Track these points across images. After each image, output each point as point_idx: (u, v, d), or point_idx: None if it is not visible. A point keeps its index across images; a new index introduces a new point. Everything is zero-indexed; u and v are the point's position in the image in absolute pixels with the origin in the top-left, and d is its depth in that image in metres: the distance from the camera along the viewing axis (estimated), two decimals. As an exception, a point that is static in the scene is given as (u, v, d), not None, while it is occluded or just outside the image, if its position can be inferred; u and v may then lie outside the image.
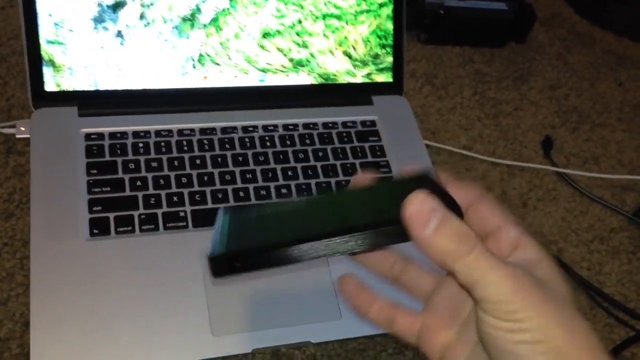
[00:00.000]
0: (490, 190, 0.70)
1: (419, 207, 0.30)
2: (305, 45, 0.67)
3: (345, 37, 0.68)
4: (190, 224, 0.56)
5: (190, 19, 0.63)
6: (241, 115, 0.65)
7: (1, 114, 0.64)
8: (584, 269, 0.64)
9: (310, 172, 0.62)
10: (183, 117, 0.62)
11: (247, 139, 0.63)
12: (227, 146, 0.62)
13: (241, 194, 0.59)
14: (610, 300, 0.61)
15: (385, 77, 0.70)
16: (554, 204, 0.70)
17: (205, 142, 0.61)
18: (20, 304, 0.51)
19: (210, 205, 0.57)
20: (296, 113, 0.67)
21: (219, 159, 0.61)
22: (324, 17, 0.67)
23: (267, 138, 0.64)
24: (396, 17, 0.69)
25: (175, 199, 0.57)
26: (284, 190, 0.60)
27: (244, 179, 0.60)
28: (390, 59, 0.70)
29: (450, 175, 0.34)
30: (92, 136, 0.59)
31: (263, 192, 0.59)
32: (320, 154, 0.64)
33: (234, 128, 0.63)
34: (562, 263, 0.63)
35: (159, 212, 0.55)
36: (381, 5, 0.69)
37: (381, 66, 0.70)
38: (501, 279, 0.29)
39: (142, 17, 0.61)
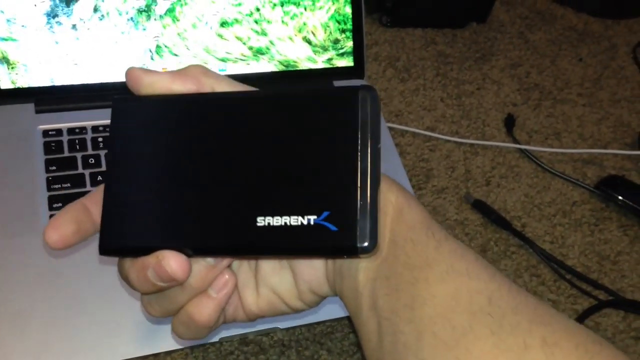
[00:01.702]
0: (454, 170, 0.71)
1: None
2: (264, 33, 0.67)
3: (304, 23, 0.68)
4: (153, 216, 0.55)
5: (146, 10, 0.62)
6: (202, 105, 0.64)
7: (-43, 114, 0.63)
8: (547, 243, 0.65)
9: (273, 160, 0.62)
10: (143, 110, 0.62)
11: (208, 129, 0.63)
12: (189, 137, 0.62)
13: (204, 184, 0.59)
14: (573, 272, 0.63)
15: (346, 62, 0.70)
16: (516, 180, 0.71)
17: (166, 133, 0.61)
18: (-17, 304, 0.51)
19: (173, 196, 0.57)
20: (258, 101, 0.66)
21: (181, 150, 0.60)
22: (282, 3, 0.67)
23: (228, 127, 0.64)
24: (354, 1, 0.69)
25: (137, 192, 0.56)
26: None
27: (206, 169, 0.60)
28: (350, 43, 0.70)
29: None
30: (50, 132, 0.59)
31: (226, 181, 0.59)
32: (283, 140, 0.64)
33: (195, 118, 0.63)
34: (525, 238, 0.64)
35: (121, 205, 0.55)
36: (339, -10, 0.69)
37: (341, 51, 0.70)
38: None
39: (96, 9, 0.61)
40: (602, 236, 0.67)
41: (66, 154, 0.58)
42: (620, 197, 0.69)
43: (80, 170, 0.57)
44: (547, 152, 0.74)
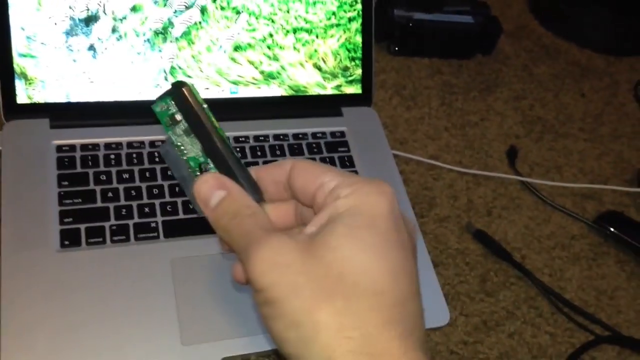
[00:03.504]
0: (456, 199, 0.72)
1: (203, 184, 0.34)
2: (276, 58, 0.68)
3: (315, 50, 0.70)
4: (161, 235, 0.57)
5: (163, 33, 0.64)
6: (213, 126, 0.66)
7: (-28, 126, 0.64)
8: (546, 275, 0.66)
9: (280, 183, 0.63)
10: (155, 129, 0.63)
11: (218, 150, 0.64)
12: (199, 157, 0.63)
13: (212, 204, 0.60)
14: (570, 305, 0.64)
15: (354, 89, 0.72)
16: (517, 212, 0.72)
17: (177, 153, 0.62)
18: (-9, 315, 0.51)
19: (181, 215, 0.58)
20: (267, 124, 0.68)
21: (191, 170, 0.62)
22: (295, 30, 0.68)
23: (238, 149, 0.65)
24: (365, 31, 0.71)
25: (146, 209, 0.58)
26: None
27: (215, 189, 0.61)
28: (359, 71, 0.72)
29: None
30: (64, 148, 0.60)
31: (234, 203, 0.60)
32: (291, 164, 0.65)
33: (206, 139, 0.64)
34: (524, 270, 0.65)
35: (130, 223, 0.56)
36: (350, 20, 0.70)
37: (350, 78, 0.72)
38: (256, 259, 0.30)
39: (114, 30, 0.62)
40: (599, 271, 0.68)
41: (78, 169, 0.59)
42: (618, 233, 0.70)
43: (91, 186, 0.58)
44: (548, 185, 0.76)
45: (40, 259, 0.52)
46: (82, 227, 0.55)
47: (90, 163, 0.59)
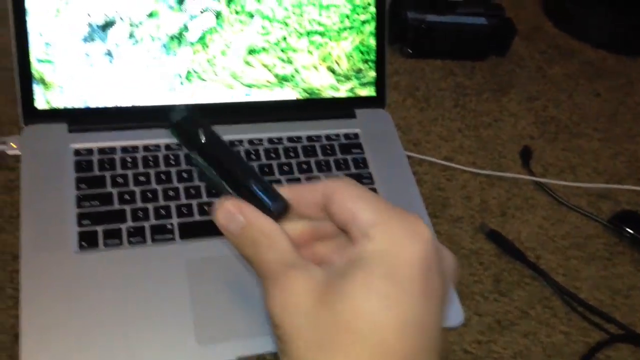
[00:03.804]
0: (470, 200, 0.72)
1: (221, 211, 0.34)
2: (289, 61, 0.69)
3: (329, 53, 0.70)
4: (177, 236, 0.57)
5: (178, 37, 0.65)
6: (227, 129, 0.66)
7: (-7, 131, 0.66)
8: (560, 275, 0.66)
9: (294, 184, 0.64)
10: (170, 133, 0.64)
11: (232, 153, 0.65)
12: (214, 160, 0.64)
13: (227, 206, 0.60)
14: (585, 305, 0.63)
15: (368, 91, 0.72)
16: (532, 212, 0.72)
17: (192, 156, 0.63)
18: (10, 316, 0.52)
19: (197, 217, 0.59)
20: (281, 127, 0.69)
21: (206, 173, 0.62)
22: (308, 34, 0.69)
23: (252, 152, 0.66)
24: (378, 34, 0.72)
25: (162, 211, 0.58)
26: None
27: (229, 191, 0.62)
28: (372, 73, 0.72)
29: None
30: (82, 151, 0.61)
31: (248, 204, 0.61)
32: (305, 166, 0.66)
33: (220, 142, 0.65)
34: (539, 269, 0.65)
35: (147, 224, 0.57)
36: (364, 22, 0.71)
37: (364, 81, 0.72)
38: (273, 295, 0.31)
39: (131, 35, 0.63)
40: (614, 270, 0.68)
41: (96, 172, 0.60)
42: (633, 233, 0.70)
43: (108, 189, 0.59)
44: (562, 185, 0.76)
45: (59, 261, 0.53)
46: (100, 229, 0.56)
47: (107, 166, 0.60)
